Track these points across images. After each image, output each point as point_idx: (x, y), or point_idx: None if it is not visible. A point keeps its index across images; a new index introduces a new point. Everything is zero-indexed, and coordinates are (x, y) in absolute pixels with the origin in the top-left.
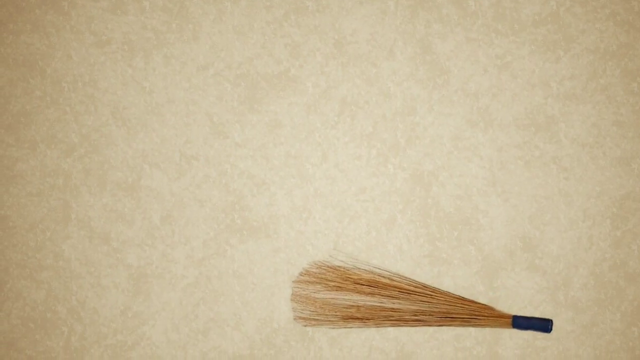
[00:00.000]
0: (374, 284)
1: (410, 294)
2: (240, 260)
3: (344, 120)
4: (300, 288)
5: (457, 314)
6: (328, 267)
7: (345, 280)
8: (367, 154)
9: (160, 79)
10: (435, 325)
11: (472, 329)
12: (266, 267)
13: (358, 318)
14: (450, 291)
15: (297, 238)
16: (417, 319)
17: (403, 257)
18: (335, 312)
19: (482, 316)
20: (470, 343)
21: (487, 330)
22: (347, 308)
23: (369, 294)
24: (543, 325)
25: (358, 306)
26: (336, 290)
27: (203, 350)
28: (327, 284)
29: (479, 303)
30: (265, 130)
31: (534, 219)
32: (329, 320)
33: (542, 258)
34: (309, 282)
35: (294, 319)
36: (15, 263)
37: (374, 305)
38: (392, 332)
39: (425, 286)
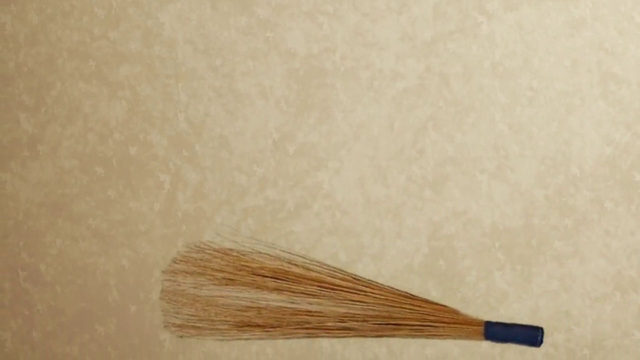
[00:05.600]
0: (283, 276)
1: (335, 290)
2: (507, 40)
3: None
4: (173, 281)
5: (404, 319)
6: (215, 250)
7: (240, 270)
8: None
9: None
10: (372, 336)
11: (428, 341)
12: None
13: (259, 325)
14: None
15: None
16: (345, 327)
17: None
18: (226, 316)
19: (441, 323)
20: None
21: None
22: (242, 310)
23: (275, 289)
24: (529, 335)
25: (259, 308)
26: (227, 285)
27: (445, 211)
28: (213, 276)
29: (438, 304)
30: None
31: None
32: (216, 329)
33: None
34: (187, 272)
35: (164, 326)
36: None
37: (282, 307)
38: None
39: (356, 279)
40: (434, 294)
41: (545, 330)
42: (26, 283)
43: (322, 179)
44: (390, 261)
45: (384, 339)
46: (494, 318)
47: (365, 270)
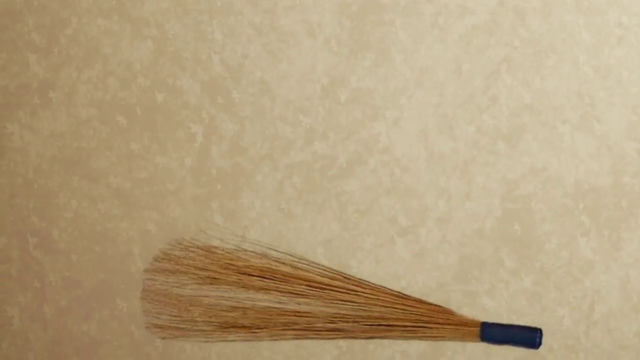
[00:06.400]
0: (270, 275)
1: (325, 289)
2: None
3: None
4: (155, 280)
5: (397, 320)
6: (199, 248)
7: (226, 269)
8: None
9: None
10: (363, 338)
11: (422, 343)
12: None
13: (244, 326)
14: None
15: None
16: (335, 328)
17: None
18: (210, 317)
19: (435, 324)
20: None
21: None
22: (227, 311)
23: (262, 289)
24: (527, 337)
25: (244, 308)
26: (211, 284)
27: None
28: (196, 274)
29: (432, 304)
30: None
31: None
32: (200, 330)
33: None
34: (170, 271)
35: (146, 327)
36: None
37: (269, 307)
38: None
39: (347, 278)
40: (508, 264)
41: (637, 305)
42: (37, 251)
43: (379, 130)
44: (458, 225)
45: None
46: (578, 290)
47: (428, 235)
